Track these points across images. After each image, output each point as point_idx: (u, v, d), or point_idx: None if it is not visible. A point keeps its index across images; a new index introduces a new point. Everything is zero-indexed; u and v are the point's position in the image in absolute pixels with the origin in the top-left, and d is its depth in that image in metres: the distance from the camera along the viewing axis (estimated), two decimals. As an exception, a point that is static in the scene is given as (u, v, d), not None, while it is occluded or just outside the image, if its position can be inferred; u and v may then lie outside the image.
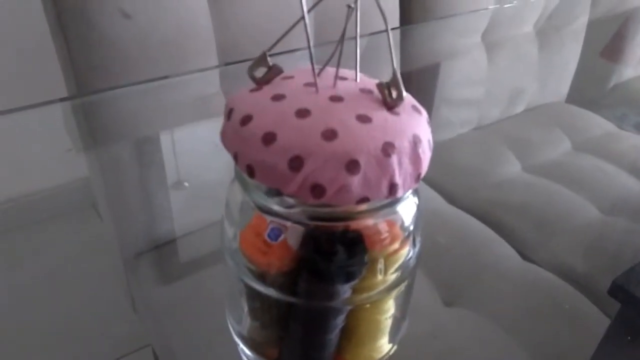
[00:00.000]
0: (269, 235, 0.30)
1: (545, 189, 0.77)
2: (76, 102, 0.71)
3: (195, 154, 0.69)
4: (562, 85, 1.04)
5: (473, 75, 0.92)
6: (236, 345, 0.38)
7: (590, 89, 1.09)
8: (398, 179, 0.26)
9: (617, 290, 0.55)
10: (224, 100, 0.80)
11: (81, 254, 0.79)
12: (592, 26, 1.05)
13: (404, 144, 0.27)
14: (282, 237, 0.30)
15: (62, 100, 0.70)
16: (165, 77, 0.71)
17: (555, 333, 0.51)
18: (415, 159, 0.27)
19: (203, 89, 0.77)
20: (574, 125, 0.95)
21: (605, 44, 1.08)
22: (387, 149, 0.26)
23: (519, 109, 0.99)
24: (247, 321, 0.35)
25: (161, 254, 0.60)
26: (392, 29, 0.86)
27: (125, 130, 0.72)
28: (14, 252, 0.71)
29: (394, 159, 0.26)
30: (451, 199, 0.73)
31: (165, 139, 0.73)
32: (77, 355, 0.78)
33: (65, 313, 0.82)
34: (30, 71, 1.01)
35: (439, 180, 0.76)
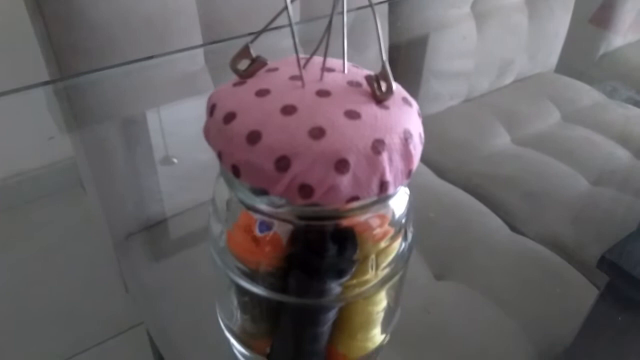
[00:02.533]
0: (259, 229, 0.30)
1: (534, 161, 0.77)
2: (59, 86, 0.70)
3: (183, 132, 0.68)
4: (552, 54, 1.03)
5: (462, 47, 0.90)
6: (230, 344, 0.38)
7: (580, 58, 1.08)
8: (389, 177, 0.26)
9: (606, 264, 0.56)
10: (209, 76, 0.79)
11: (72, 235, 0.79)
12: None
13: (394, 140, 0.26)
14: (272, 230, 0.29)
15: (44, 83, 0.68)
16: (150, 57, 0.69)
17: (544, 303, 0.52)
18: (406, 154, 0.26)
19: (187, 66, 0.75)
20: (564, 95, 0.94)
21: (594, 11, 1.07)
22: (377, 146, 0.25)
23: (508, 80, 0.98)
24: (237, 315, 0.35)
25: (152, 235, 0.60)
26: (379, 3, 0.84)
27: (111, 111, 0.70)
28: (3, 234, 0.70)
29: (384, 156, 0.25)
30: (441, 173, 0.73)
31: (152, 118, 0.72)
32: (71, 335, 0.78)
33: (58, 294, 0.82)
34: (9, 53, 0.98)
35: (429, 154, 0.76)
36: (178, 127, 0.70)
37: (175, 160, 0.67)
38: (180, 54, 0.73)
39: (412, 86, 0.92)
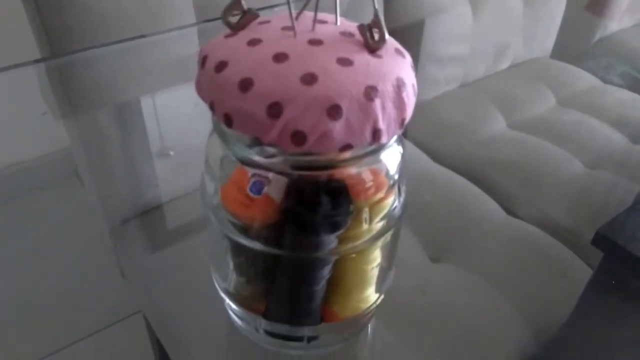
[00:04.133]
0: (250, 189, 0.29)
1: (530, 145, 0.77)
2: (51, 64, 0.69)
3: (177, 118, 0.68)
4: (548, 39, 1.03)
5: (458, 32, 0.90)
6: (225, 305, 0.37)
7: (575, 43, 1.08)
8: (382, 124, 0.26)
9: (600, 239, 0.56)
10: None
11: (67, 224, 0.78)
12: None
13: (387, 88, 0.26)
14: (264, 190, 0.29)
15: (35, 62, 0.68)
16: (143, 37, 0.69)
17: (540, 285, 0.52)
18: (399, 103, 0.26)
19: (181, 48, 0.74)
20: (559, 80, 0.94)
21: (590, -2, 1.07)
22: (370, 92, 0.25)
23: (504, 65, 0.98)
24: (232, 277, 0.35)
25: (148, 220, 0.59)
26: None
27: (105, 94, 0.70)
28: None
29: (377, 103, 0.25)
30: (437, 157, 0.73)
31: (146, 103, 0.72)
32: (69, 324, 0.78)
33: (55, 283, 0.82)
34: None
35: (425, 139, 0.76)
36: (173, 112, 0.69)
37: (171, 153, 0.67)
38: (174, 35, 0.72)
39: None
